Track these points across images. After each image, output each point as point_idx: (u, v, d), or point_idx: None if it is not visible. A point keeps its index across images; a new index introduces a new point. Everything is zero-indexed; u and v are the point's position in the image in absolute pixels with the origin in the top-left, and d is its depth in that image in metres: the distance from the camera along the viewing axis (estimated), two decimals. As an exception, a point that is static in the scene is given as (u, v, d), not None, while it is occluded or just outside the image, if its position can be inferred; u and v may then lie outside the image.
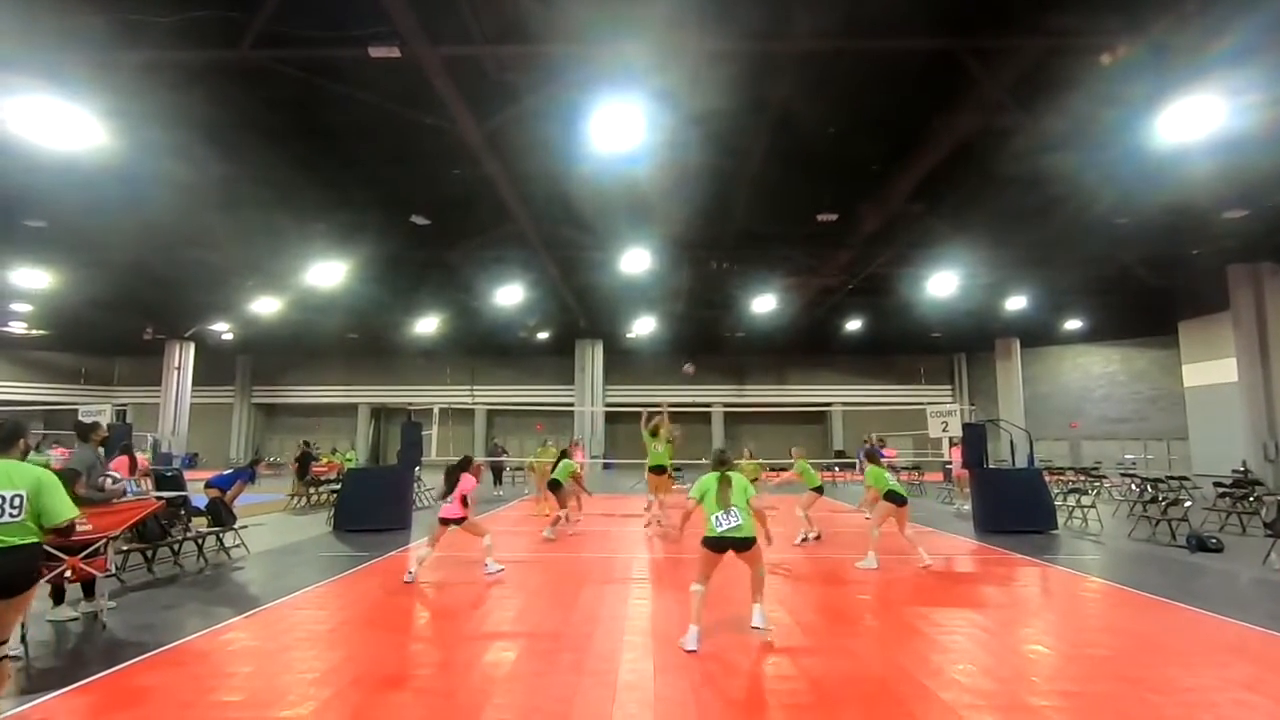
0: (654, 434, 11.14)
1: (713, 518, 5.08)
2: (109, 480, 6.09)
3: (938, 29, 8.12)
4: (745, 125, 10.36)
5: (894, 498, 7.93)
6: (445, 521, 7.41)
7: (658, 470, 11.13)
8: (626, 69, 8.55)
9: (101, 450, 6.49)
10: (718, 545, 5.08)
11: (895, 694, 4.06)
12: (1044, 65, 8.61)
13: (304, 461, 16.85)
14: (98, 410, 16.15)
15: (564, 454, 11.46)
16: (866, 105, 10.03)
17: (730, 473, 5.24)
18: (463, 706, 3.88)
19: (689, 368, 12.72)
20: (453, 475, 7.55)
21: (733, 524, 5.02)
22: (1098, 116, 9.67)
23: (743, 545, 5.09)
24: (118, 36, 7.93)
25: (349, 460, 20.68)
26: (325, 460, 20.43)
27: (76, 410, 16.31)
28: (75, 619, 5.64)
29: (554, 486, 10.91)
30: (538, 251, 15.99)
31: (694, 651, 4.83)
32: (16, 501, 3.42)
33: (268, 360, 34.57)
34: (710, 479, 5.24)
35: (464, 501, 7.49)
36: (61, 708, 3.82)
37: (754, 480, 7.99)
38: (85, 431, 6.23)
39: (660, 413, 11.26)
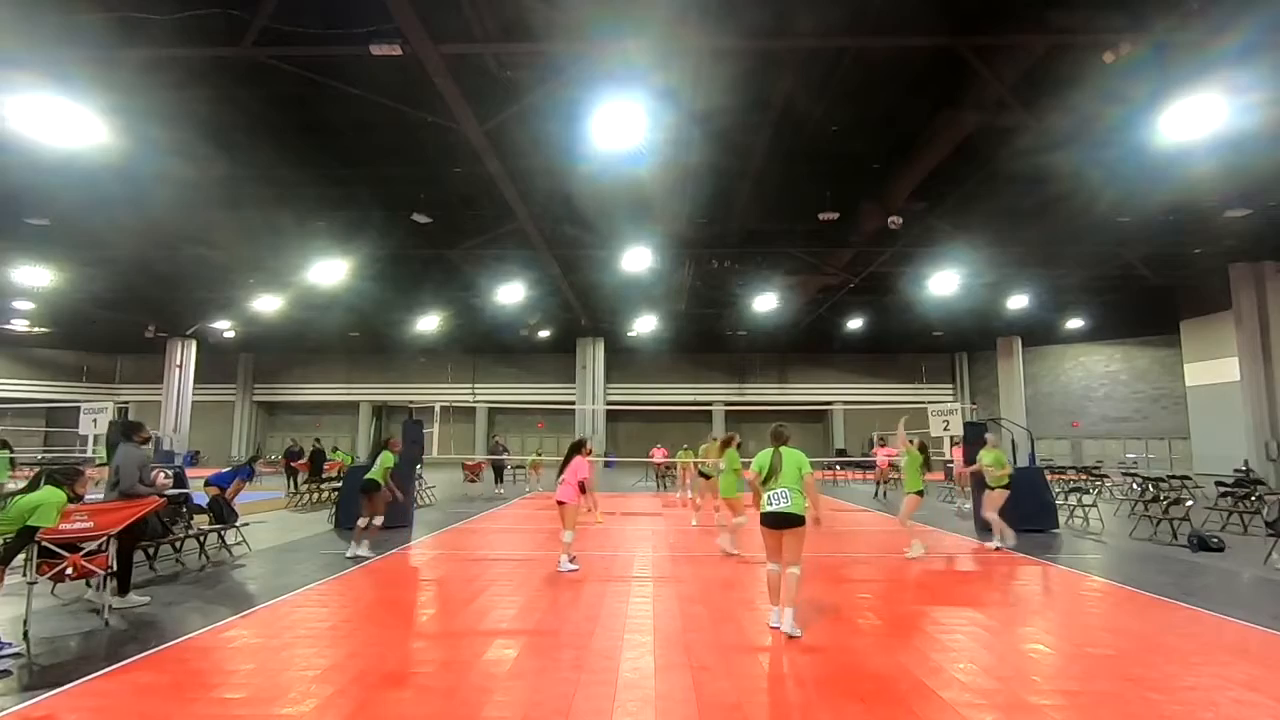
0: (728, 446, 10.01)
1: (767, 495, 5.22)
2: (161, 475, 6.36)
3: (940, 27, 8.11)
4: (747, 123, 10.35)
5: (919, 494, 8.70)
6: (561, 504, 7.66)
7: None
8: (628, 67, 8.54)
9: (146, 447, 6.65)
10: (770, 521, 5.21)
11: (896, 692, 4.06)
12: (1046, 63, 8.60)
13: (316, 459, 16.90)
14: (100, 408, 16.17)
15: (385, 444, 9.01)
16: (868, 103, 10.03)
17: (784, 449, 5.33)
18: (464, 704, 3.88)
19: (895, 220, 11.99)
20: (566, 459, 7.79)
21: (782, 504, 5.13)
22: (1100, 115, 9.67)
23: (787, 522, 5.14)
24: (119, 34, 7.94)
25: (345, 459, 20.69)
26: (331, 459, 20.46)
27: (78, 408, 16.33)
28: (147, 602, 5.91)
29: (372, 488, 8.59)
30: (539, 249, 16.00)
31: (777, 628, 5.16)
32: None
33: (269, 358, 34.61)
34: (766, 455, 5.36)
35: (581, 487, 7.68)
36: (64, 705, 3.83)
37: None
38: (129, 431, 6.44)
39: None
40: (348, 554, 8.36)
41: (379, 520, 8.65)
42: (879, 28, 8.06)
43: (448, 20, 7.79)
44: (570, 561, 7.65)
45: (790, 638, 5.04)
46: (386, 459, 8.76)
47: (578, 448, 7.95)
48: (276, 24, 7.88)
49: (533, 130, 10.50)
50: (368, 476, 8.64)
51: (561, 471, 7.77)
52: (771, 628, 5.25)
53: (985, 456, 9.30)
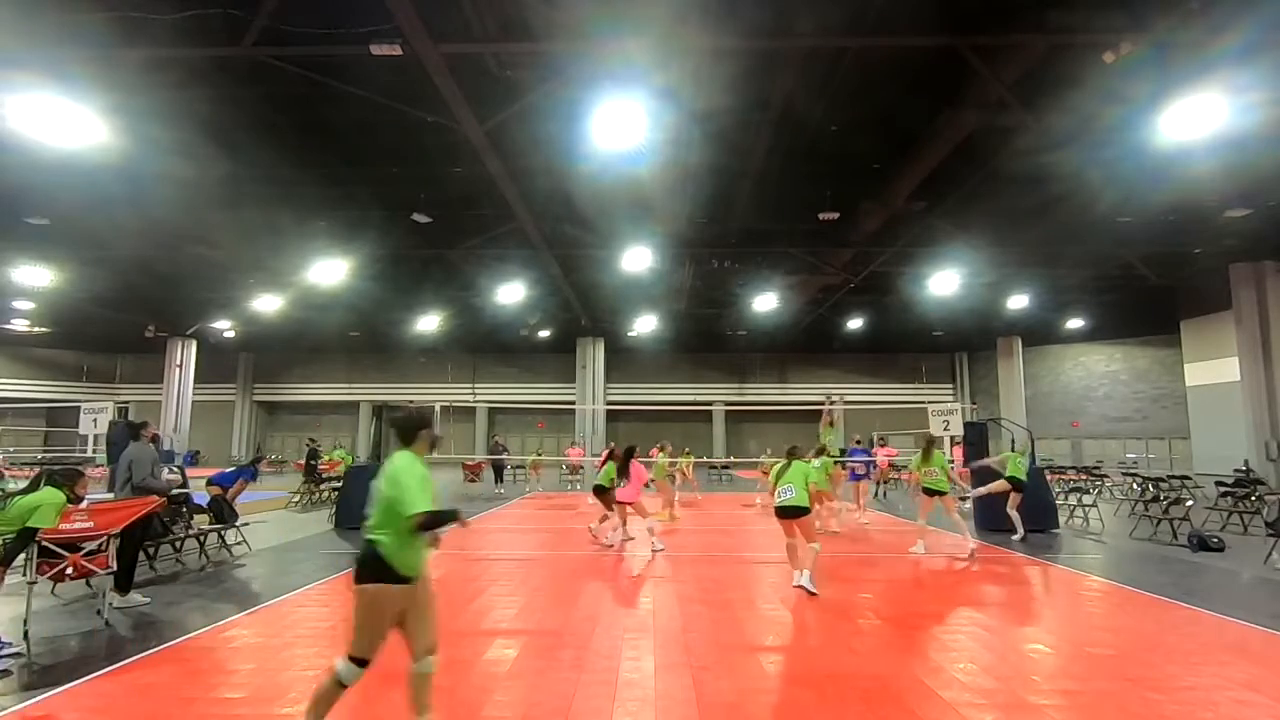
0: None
1: (777, 491, 6.63)
2: (167, 471, 6.49)
3: (940, 27, 8.10)
4: (747, 123, 10.35)
5: (928, 492, 8.92)
6: (621, 503, 8.91)
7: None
8: (628, 66, 8.54)
9: (153, 445, 6.72)
10: (780, 513, 6.62)
11: (896, 692, 4.06)
12: (1047, 63, 8.59)
13: (309, 459, 16.84)
14: (100, 408, 16.15)
15: (610, 454, 9.67)
16: (868, 103, 10.02)
17: (794, 460, 6.75)
18: (464, 704, 3.88)
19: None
20: (624, 464, 8.96)
21: (788, 497, 6.51)
22: (1100, 114, 9.66)
23: (793, 514, 6.55)
24: (119, 33, 7.94)
25: (345, 459, 20.61)
26: (327, 459, 20.41)
27: (78, 408, 16.32)
28: (148, 602, 5.95)
29: (599, 491, 9.45)
30: (539, 249, 16.00)
31: (800, 587, 6.45)
32: None
33: (269, 358, 34.60)
34: (781, 464, 6.83)
35: (644, 485, 9.08)
36: (64, 704, 3.83)
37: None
38: (137, 430, 6.54)
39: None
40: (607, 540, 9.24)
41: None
42: (879, 27, 8.06)
43: (448, 20, 7.78)
44: (655, 540, 8.79)
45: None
46: (610, 469, 9.56)
47: (631, 453, 9.18)
48: (276, 24, 7.87)
49: (533, 130, 10.49)
50: (596, 482, 9.49)
51: (623, 475, 8.95)
52: (794, 586, 6.53)
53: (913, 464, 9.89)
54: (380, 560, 3.04)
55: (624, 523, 9.24)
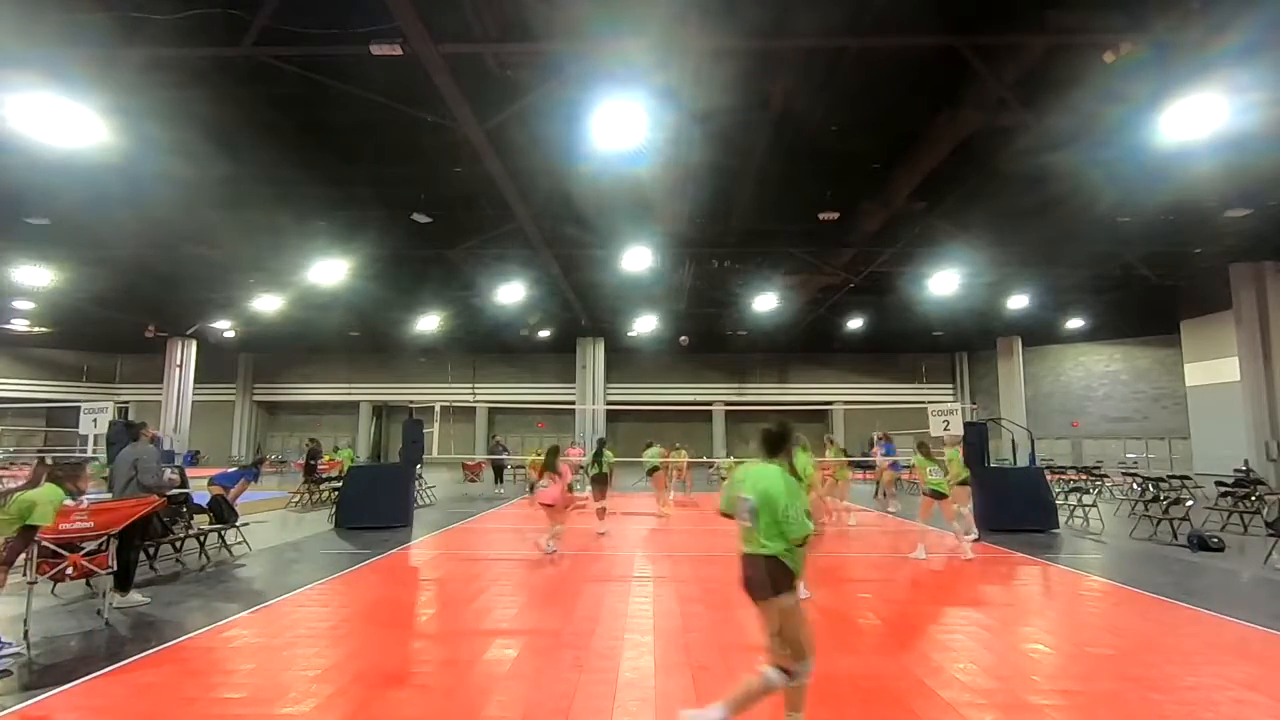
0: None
1: None
2: (167, 471, 6.58)
3: (941, 26, 8.10)
4: (747, 123, 10.34)
5: (933, 494, 8.67)
6: (545, 505, 8.67)
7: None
8: (628, 66, 8.53)
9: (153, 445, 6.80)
10: None
11: (896, 692, 4.06)
12: (1047, 63, 8.59)
13: (309, 459, 16.83)
14: (100, 408, 16.13)
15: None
16: (868, 103, 10.01)
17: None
18: (464, 704, 3.88)
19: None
20: (552, 464, 8.72)
21: None
22: (1100, 114, 9.66)
23: None
24: (119, 33, 7.94)
25: (347, 458, 20.58)
26: (327, 459, 20.39)
27: (78, 408, 16.31)
28: (147, 602, 5.98)
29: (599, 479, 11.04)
30: (539, 249, 15.98)
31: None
32: None
33: (269, 358, 34.59)
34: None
35: (569, 488, 8.82)
36: (63, 704, 3.83)
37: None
38: (136, 430, 6.65)
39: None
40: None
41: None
42: (879, 27, 8.05)
43: (448, 20, 7.78)
44: (551, 542, 8.50)
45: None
46: (609, 457, 10.62)
47: (556, 452, 8.92)
48: (276, 24, 7.86)
49: (533, 130, 10.48)
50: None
51: (545, 473, 8.68)
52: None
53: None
54: (785, 568, 3.17)
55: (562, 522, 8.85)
